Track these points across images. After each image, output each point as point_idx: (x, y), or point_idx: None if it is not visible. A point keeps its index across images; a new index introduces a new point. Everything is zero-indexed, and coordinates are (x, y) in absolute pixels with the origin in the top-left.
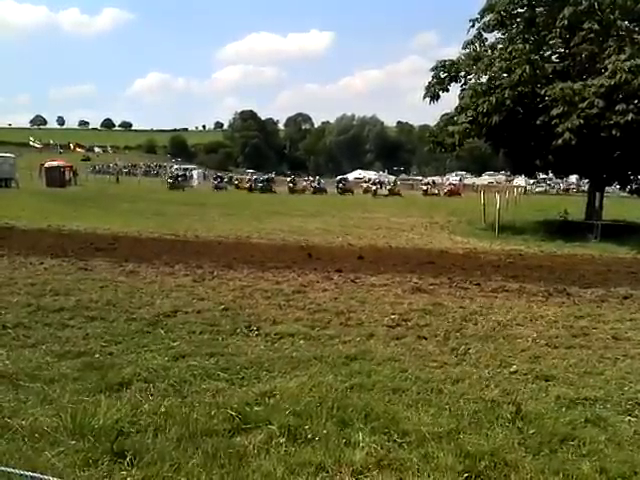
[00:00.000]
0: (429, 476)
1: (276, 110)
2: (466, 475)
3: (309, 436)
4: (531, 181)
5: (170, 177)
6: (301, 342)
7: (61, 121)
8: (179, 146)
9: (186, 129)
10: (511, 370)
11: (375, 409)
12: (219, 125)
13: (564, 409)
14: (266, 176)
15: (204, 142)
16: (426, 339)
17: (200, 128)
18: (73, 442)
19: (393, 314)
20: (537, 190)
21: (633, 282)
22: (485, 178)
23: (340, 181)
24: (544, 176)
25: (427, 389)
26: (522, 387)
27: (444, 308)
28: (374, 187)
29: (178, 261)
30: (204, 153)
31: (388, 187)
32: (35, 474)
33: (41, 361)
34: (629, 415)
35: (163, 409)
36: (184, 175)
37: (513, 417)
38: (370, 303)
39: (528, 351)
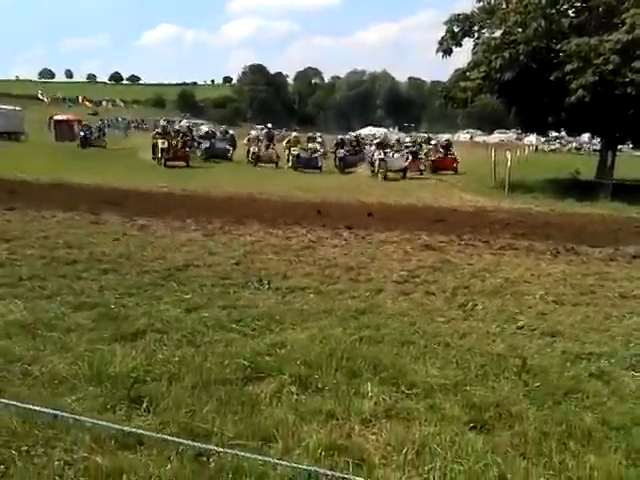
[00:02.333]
0: (436, 425)
1: (287, 64)
2: (471, 425)
3: (319, 385)
4: (542, 139)
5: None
6: (311, 296)
7: (69, 74)
8: (188, 100)
9: (195, 83)
10: (517, 325)
11: (383, 361)
12: (228, 79)
13: (569, 364)
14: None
15: (213, 97)
16: (434, 295)
17: (209, 82)
18: (91, 388)
19: (402, 270)
20: (549, 148)
21: None
22: (496, 136)
23: (342, 144)
24: (556, 134)
25: (434, 343)
26: (528, 342)
27: (452, 265)
28: (378, 161)
29: (188, 216)
30: (213, 108)
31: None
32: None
33: (57, 312)
34: (633, 370)
35: (177, 358)
36: (99, 128)
37: (519, 370)
38: (379, 259)
39: (535, 307)
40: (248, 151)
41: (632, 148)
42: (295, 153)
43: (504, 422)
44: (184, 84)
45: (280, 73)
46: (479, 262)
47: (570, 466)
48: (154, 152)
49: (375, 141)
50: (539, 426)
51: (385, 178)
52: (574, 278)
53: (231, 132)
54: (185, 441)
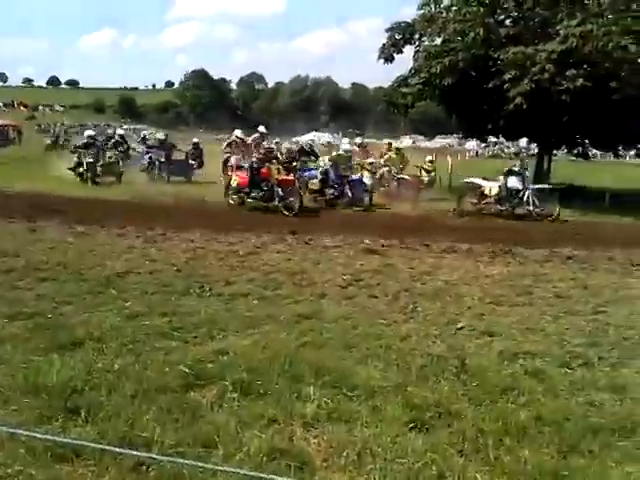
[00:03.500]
0: (377, 427)
1: (230, 69)
2: (412, 425)
3: (261, 391)
4: (483, 144)
5: None
6: (254, 302)
7: (4, 78)
8: (128, 105)
9: (136, 88)
10: (457, 327)
11: (326, 365)
12: (170, 84)
13: (506, 363)
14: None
15: (155, 102)
16: (377, 298)
17: (150, 87)
18: (27, 400)
19: (345, 274)
20: (489, 154)
21: (577, 243)
22: (438, 141)
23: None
24: (495, 139)
25: (376, 345)
26: (467, 343)
27: (394, 268)
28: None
29: (129, 223)
30: (154, 113)
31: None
32: None
33: None
34: (566, 367)
35: (117, 367)
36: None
37: (458, 371)
38: (323, 264)
39: (474, 309)
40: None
41: (566, 153)
42: None
43: (443, 421)
44: (124, 89)
45: (223, 78)
46: (420, 265)
47: (505, 461)
48: (76, 169)
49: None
50: (477, 424)
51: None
52: (511, 279)
53: (195, 140)
54: (123, 450)
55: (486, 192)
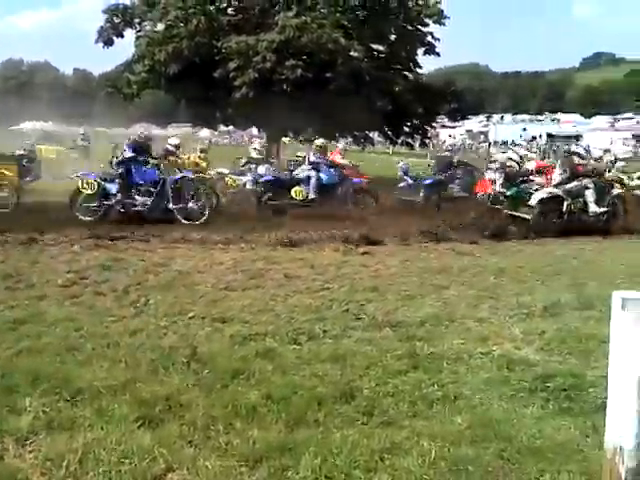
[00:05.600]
0: (102, 429)
1: None
2: (140, 422)
3: None
4: (216, 133)
5: None
6: None
7: None
8: None
9: None
10: (189, 316)
11: (45, 371)
12: None
13: (237, 346)
14: None
15: None
16: (104, 295)
17: None
18: None
19: (69, 272)
20: (222, 142)
21: (301, 226)
22: (171, 131)
23: None
24: (227, 128)
25: (103, 344)
26: (199, 331)
27: (124, 262)
28: None
29: None
30: None
31: None
32: None
33: None
34: (294, 344)
35: None
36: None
37: (189, 360)
38: (43, 263)
39: (206, 296)
40: None
41: (290, 140)
42: None
43: (174, 414)
44: None
45: None
46: (152, 257)
47: (235, 444)
48: None
49: None
50: (207, 411)
51: None
52: (244, 265)
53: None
54: None
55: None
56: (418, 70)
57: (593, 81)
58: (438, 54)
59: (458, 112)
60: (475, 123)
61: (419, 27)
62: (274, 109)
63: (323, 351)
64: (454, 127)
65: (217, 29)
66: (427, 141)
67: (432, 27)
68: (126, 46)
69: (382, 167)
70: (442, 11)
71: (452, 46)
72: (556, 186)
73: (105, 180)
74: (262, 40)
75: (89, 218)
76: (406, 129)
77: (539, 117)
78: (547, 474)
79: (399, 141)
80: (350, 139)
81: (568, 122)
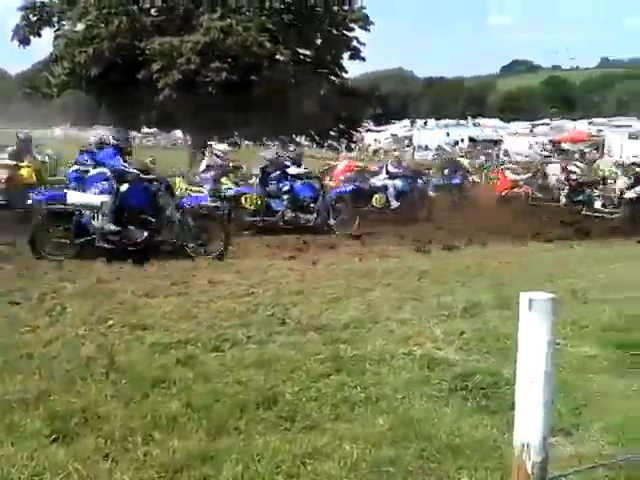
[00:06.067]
0: (12, 445)
1: None
2: (54, 437)
3: None
4: (139, 135)
5: None
6: None
7: None
8: None
9: None
10: (108, 325)
11: None
12: None
13: (157, 355)
14: None
15: None
16: (18, 304)
17: None
18: None
19: None
20: (145, 144)
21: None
22: (97, 132)
23: None
24: (149, 130)
25: (15, 357)
26: (118, 340)
27: (41, 269)
28: None
29: None
30: None
31: None
32: None
33: None
34: (216, 351)
35: None
36: None
37: (107, 370)
38: None
39: (126, 304)
40: None
41: (216, 143)
42: None
43: (90, 427)
44: None
45: None
46: (68, 264)
47: (154, 455)
48: None
49: None
50: (125, 423)
51: None
52: (165, 271)
53: None
54: None
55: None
56: (344, 74)
57: (512, 87)
58: (363, 59)
59: (383, 116)
60: (399, 127)
61: (345, 32)
62: (199, 112)
63: (247, 357)
64: (379, 131)
65: (140, 30)
66: (353, 145)
67: (358, 32)
68: (44, 45)
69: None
70: (367, 16)
71: (378, 51)
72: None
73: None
74: (186, 41)
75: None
76: (332, 133)
77: (461, 122)
78: (465, 471)
79: (325, 145)
80: (277, 142)
81: (489, 127)
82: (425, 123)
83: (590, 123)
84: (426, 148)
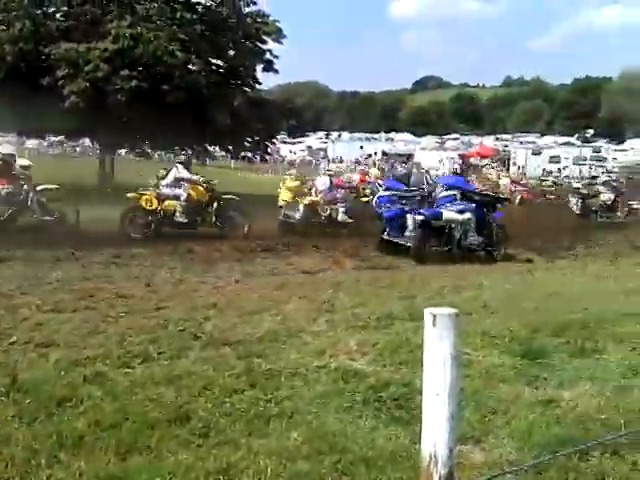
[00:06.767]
0: None
1: None
2: None
3: None
4: (45, 143)
5: None
6: None
7: None
8: None
9: None
10: (10, 341)
11: None
12: None
13: (63, 372)
14: None
15: None
16: None
17: None
18: None
19: None
20: (54, 153)
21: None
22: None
23: None
24: (56, 138)
25: None
26: (20, 357)
27: None
28: None
29: None
30: None
31: None
32: None
33: None
34: (127, 367)
35: None
36: None
37: (8, 389)
38: None
39: (30, 319)
40: None
41: (127, 153)
42: None
43: None
44: None
45: None
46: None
47: (59, 478)
48: None
49: None
50: (28, 444)
51: None
52: (71, 283)
53: None
54: None
55: None
56: (257, 86)
57: (423, 102)
58: (277, 71)
59: (297, 128)
60: (315, 140)
61: (258, 44)
62: (108, 120)
63: (158, 373)
64: (294, 143)
65: (44, 35)
66: (267, 157)
67: (271, 45)
68: None
69: (239, 184)
70: (280, 29)
71: (294, 64)
72: None
73: None
74: (94, 49)
75: None
76: (247, 144)
77: (374, 135)
78: None
79: (239, 156)
80: (190, 152)
81: (401, 141)
82: (339, 136)
83: (497, 139)
84: (341, 160)
